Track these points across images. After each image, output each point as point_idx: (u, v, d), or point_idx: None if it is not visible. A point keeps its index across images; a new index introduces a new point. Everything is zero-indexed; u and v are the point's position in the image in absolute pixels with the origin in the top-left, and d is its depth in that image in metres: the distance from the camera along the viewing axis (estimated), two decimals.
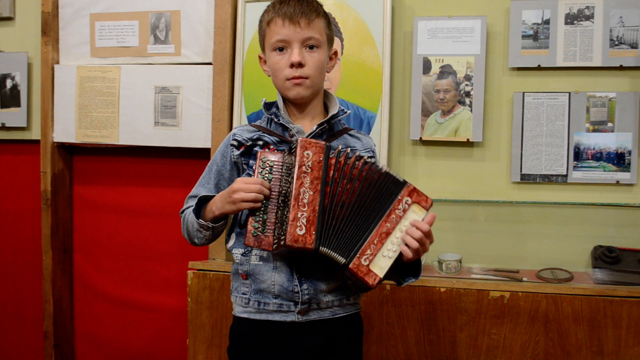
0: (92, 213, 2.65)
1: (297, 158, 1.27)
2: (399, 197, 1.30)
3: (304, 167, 1.27)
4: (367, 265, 1.27)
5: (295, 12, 1.37)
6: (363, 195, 1.30)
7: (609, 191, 2.14)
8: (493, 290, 1.96)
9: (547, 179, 2.17)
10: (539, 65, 2.16)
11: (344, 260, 1.27)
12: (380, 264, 1.28)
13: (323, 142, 1.30)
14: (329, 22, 1.46)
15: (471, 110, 2.19)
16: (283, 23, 1.38)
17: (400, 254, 1.29)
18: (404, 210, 1.30)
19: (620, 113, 2.12)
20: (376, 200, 1.30)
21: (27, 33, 2.63)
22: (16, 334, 2.75)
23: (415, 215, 1.30)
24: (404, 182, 1.32)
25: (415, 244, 1.28)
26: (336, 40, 2.25)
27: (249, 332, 1.41)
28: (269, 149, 1.40)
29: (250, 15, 2.32)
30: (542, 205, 2.18)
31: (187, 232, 1.45)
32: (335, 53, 1.50)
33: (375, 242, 1.28)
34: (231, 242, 1.44)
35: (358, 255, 1.26)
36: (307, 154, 1.28)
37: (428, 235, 1.30)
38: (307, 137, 1.38)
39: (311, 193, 1.26)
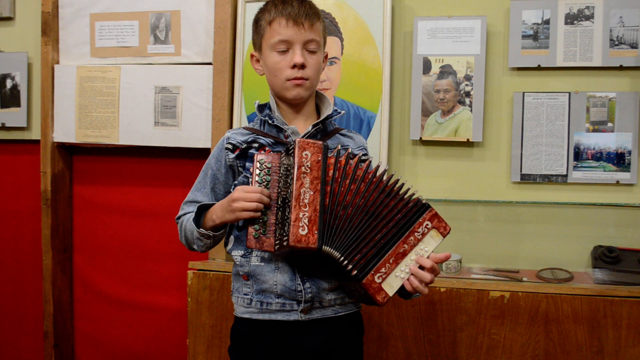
0: (92, 213, 2.65)
1: (296, 159, 1.27)
2: (420, 220, 1.31)
3: (303, 168, 1.27)
4: (380, 283, 1.28)
5: (300, 13, 1.38)
6: (374, 201, 1.30)
7: (609, 191, 2.14)
8: (493, 290, 1.96)
9: (547, 179, 2.17)
10: (539, 65, 2.16)
11: (353, 270, 1.27)
12: (392, 283, 1.29)
13: (321, 142, 1.30)
14: (325, 25, 1.48)
15: (471, 110, 2.19)
16: (287, 23, 1.38)
17: None
18: (423, 234, 1.31)
19: (620, 113, 2.12)
20: (395, 216, 1.30)
21: (27, 33, 2.63)
22: (16, 334, 2.75)
23: (432, 240, 1.31)
24: (427, 205, 1.33)
25: (419, 286, 1.29)
26: (335, 40, 2.27)
27: (251, 332, 1.41)
28: (264, 151, 1.41)
29: (250, 15, 2.31)
30: (542, 205, 2.18)
31: (186, 239, 1.45)
32: (326, 56, 1.51)
33: (390, 261, 1.29)
34: (230, 245, 1.44)
35: (372, 272, 1.27)
36: (306, 154, 1.28)
37: (433, 270, 1.31)
38: (302, 137, 1.39)
39: (311, 193, 1.26)
